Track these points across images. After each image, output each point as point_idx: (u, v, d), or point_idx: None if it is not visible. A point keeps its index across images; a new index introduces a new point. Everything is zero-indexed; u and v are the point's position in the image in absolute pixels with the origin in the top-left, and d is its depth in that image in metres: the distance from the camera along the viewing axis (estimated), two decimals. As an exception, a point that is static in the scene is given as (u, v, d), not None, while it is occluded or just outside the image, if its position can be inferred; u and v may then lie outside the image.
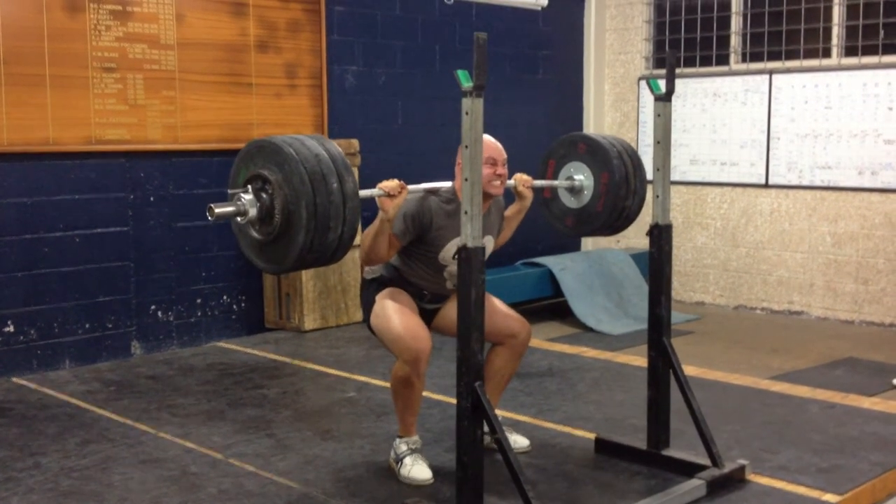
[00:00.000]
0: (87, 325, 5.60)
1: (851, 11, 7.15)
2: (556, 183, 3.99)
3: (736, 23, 7.77)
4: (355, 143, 6.36)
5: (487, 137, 3.64)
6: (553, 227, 4.14)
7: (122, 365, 5.58)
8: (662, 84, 3.74)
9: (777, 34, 7.53)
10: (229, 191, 2.99)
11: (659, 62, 8.23)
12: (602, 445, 3.97)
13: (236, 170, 3.00)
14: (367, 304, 3.73)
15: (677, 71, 7.14)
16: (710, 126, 7.89)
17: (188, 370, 5.43)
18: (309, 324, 6.27)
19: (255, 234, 2.97)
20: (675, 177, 7.82)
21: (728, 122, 7.81)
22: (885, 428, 4.27)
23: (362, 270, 3.84)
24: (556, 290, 7.32)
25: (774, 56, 7.57)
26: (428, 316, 3.78)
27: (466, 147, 2.98)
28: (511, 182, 3.80)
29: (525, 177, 3.84)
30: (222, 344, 6.09)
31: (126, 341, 5.78)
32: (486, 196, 3.56)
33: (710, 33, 7.90)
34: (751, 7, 7.70)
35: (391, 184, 3.30)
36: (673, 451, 3.78)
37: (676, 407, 3.78)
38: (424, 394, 4.79)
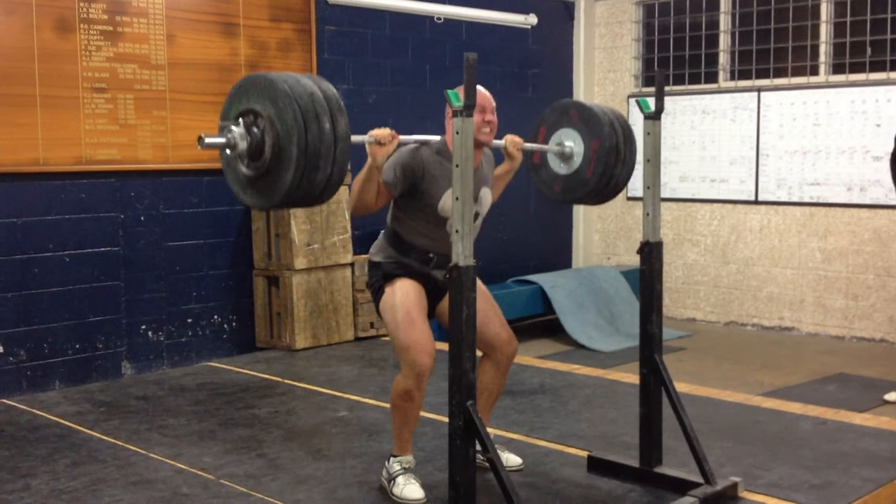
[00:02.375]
0: (77, 346, 5.58)
1: (839, 29, 7.21)
2: (545, 147, 3.96)
3: (724, 41, 7.82)
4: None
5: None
6: (541, 194, 4.12)
7: (113, 385, 5.56)
8: (651, 102, 3.76)
9: (765, 52, 7.59)
10: (220, 122, 2.97)
11: (648, 80, 8.28)
12: (595, 463, 3.96)
13: (229, 103, 2.97)
14: (375, 291, 3.68)
15: (666, 88, 7.19)
16: (700, 143, 7.93)
17: (179, 390, 5.41)
18: (300, 343, 6.26)
19: (243, 168, 2.94)
20: (665, 194, 7.85)
21: (717, 139, 7.85)
22: (876, 444, 4.28)
23: (350, 209, 3.68)
24: (548, 307, 7.32)
25: (763, 73, 7.62)
26: (434, 294, 3.69)
27: (457, 166, 2.99)
28: (501, 142, 3.79)
29: (515, 138, 3.83)
30: (213, 364, 6.07)
31: (116, 361, 5.75)
32: (477, 144, 3.53)
33: (698, 51, 7.95)
34: (739, 25, 7.76)
35: (382, 132, 3.30)
36: (665, 469, 3.78)
37: (669, 424, 3.77)
38: (416, 412, 4.80)
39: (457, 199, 3.00)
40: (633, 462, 3.85)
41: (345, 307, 6.49)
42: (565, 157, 3.95)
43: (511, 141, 3.82)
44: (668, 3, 8.16)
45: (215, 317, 6.22)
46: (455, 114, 2.99)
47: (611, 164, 3.86)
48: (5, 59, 5.20)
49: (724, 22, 7.81)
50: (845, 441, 4.32)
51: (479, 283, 3.87)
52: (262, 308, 6.39)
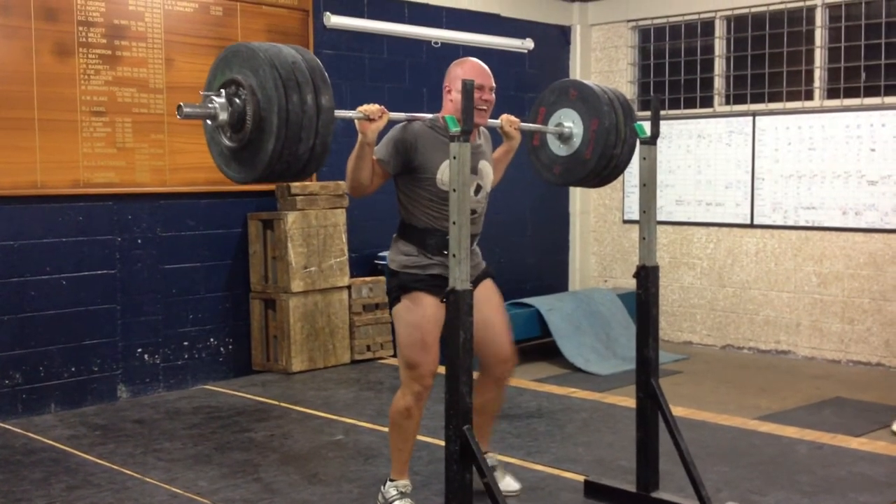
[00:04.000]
0: (72, 369, 5.57)
1: (833, 54, 7.25)
2: (543, 128, 3.90)
3: (719, 65, 7.87)
4: (343, 184, 6.39)
5: (474, 60, 3.62)
6: (541, 177, 4.04)
7: (108, 409, 5.54)
8: (647, 127, 3.78)
9: (760, 76, 7.63)
10: (202, 93, 2.94)
11: (644, 104, 8.32)
12: (591, 488, 3.95)
13: (212, 74, 2.95)
14: (392, 297, 3.63)
15: (662, 113, 7.23)
16: (696, 167, 7.96)
17: (175, 414, 5.40)
18: (296, 366, 6.25)
19: (225, 140, 2.92)
20: (661, 217, 7.87)
21: (713, 163, 7.88)
22: (872, 468, 4.27)
23: (347, 190, 3.59)
24: (545, 330, 7.32)
25: (758, 98, 7.66)
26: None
27: (454, 191, 3.00)
28: (497, 122, 3.73)
29: (512, 117, 3.77)
30: (209, 387, 6.06)
31: (112, 385, 5.74)
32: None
33: (693, 76, 8.00)
34: (734, 50, 7.81)
35: (372, 107, 3.26)
36: (662, 494, 3.77)
37: (666, 448, 3.77)
38: (413, 436, 4.79)
39: (453, 223, 3.00)
40: (630, 487, 3.84)
41: (341, 330, 6.49)
42: (564, 137, 3.87)
43: (508, 120, 3.75)
44: (663, 27, 8.22)
45: (212, 340, 6.22)
46: (452, 139, 3.00)
47: (610, 143, 3.79)
48: (4, 83, 5.22)
49: (720, 46, 7.86)
50: (842, 465, 4.32)
51: (493, 288, 3.84)
52: (259, 331, 6.38)
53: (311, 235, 6.29)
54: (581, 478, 4.07)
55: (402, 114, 3.50)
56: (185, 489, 4.07)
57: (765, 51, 7.58)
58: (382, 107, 3.27)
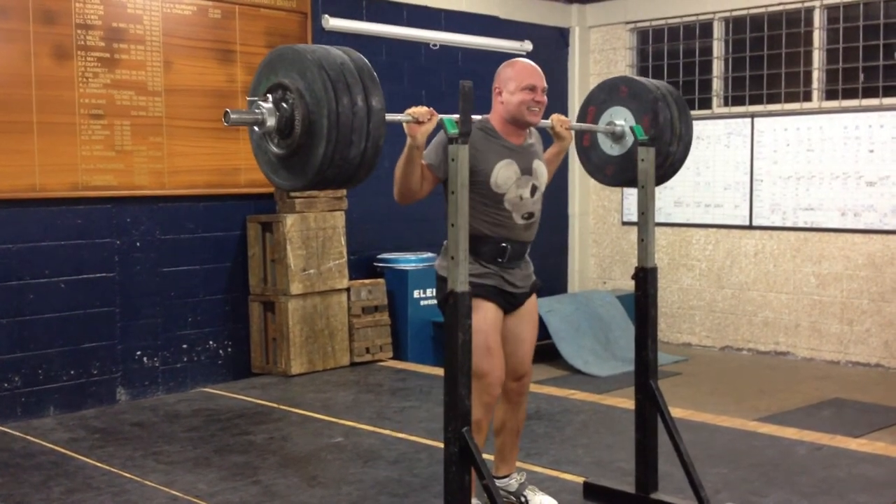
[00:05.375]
0: (71, 372, 5.56)
1: (831, 55, 7.26)
2: (595, 127, 3.78)
3: (718, 67, 7.88)
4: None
5: (525, 61, 3.54)
6: (593, 179, 3.94)
7: (107, 412, 5.54)
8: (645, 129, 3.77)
9: (758, 78, 7.64)
10: (248, 99, 2.84)
11: (642, 106, 8.31)
12: (591, 490, 3.95)
13: (257, 79, 2.85)
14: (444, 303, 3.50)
15: (661, 114, 7.22)
16: (694, 168, 7.96)
17: (174, 416, 5.40)
18: (296, 368, 6.25)
19: (273, 147, 2.81)
20: (660, 218, 7.88)
21: (712, 165, 7.89)
22: (872, 469, 4.27)
23: (395, 197, 3.41)
24: (544, 332, 7.31)
25: (756, 100, 7.67)
26: (506, 301, 3.53)
27: (453, 193, 2.99)
28: (547, 122, 3.63)
29: (562, 117, 3.67)
30: (208, 389, 6.06)
31: (111, 388, 5.74)
32: (524, 124, 3.47)
33: (692, 77, 8.00)
34: (732, 52, 7.82)
35: (421, 110, 3.09)
36: (662, 495, 3.77)
37: (665, 449, 3.77)
38: (412, 438, 4.80)
39: (452, 225, 3.00)
40: (630, 488, 3.84)
41: (341, 332, 6.49)
42: (617, 136, 3.75)
43: (558, 120, 3.64)
44: (662, 29, 8.23)
45: (211, 342, 6.22)
46: (451, 141, 2.99)
47: (666, 141, 3.68)
48: (3, 86, 5.23)
49: (718, 48, 7.87)
50: (841, 466, 4.32)
51: (535, 304, 3.68)
52: (258, 333, 6.38)
53: (310, 238, 6.29)
54: (580, 479, 4.07)
55: (453, 116, 3.31)
56: (184, 492, 4.07)
57: (763, 52, 7.59)
58: (432, 109, 3.11)
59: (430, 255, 7.05)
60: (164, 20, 5.85)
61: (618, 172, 3.84)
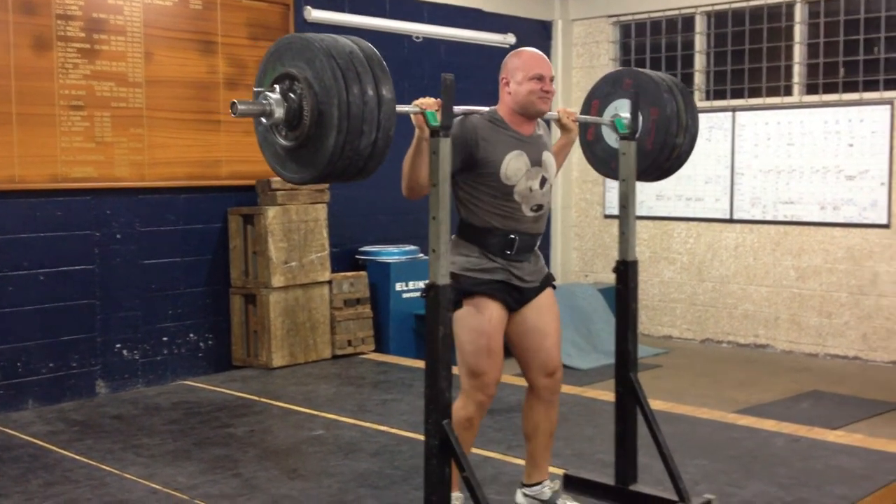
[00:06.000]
0: (50, 364, 5.53)
1: (812, 50, 7.30)
2: (601, 119, 3.76)
3: (700, 61, 7.91)
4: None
5: (532, 50, 3.50)
6: (598, 173, 3.89)
7: (87, 404, 5.51)
8: (627, 122, 3.77)
9: (740, 72, 7.67)
10: (254, 90, 2.77)
11: (624, 99, 8.33)
12: (570, 481, 3.96)
13: (263, 69, 2.78)
14: (453, 302, 3.38)
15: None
16: (676, 162, 7.98)
17: (154, 409, 5.38)
18: (277, 361, 6.23)
19: (281, 140, 2.74)
20: (641, 212, 7.91)
21: (693, 158, 7.81)
22: (849, 461, 4.31)
23: (403, 191, 3.36)
24: (525, 325, 7.33)
25: (737, 93, 7.70)
26: (511, 309, 3.49)
27: (434, 185, 2.98)
28: (554, 114, 3.60)
29: (569, 109, 3.64)
30: (189, 382, 6.04)
31: (91, 380, 5.71)
32: (532, 115, 3.44)
33: (674, 71, 8.02)
34: (714, 46, 7.84)
35: (428, 101, 3.03)
36: (641, 487, 3.78)
37: (644, 441, 3.78)
38: (393, 430, 4.80)
39: (433, 218, 2.99)
40: (609, 480, 3.85)
41: (322, 325, 6.48)
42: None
43: (565, 112, 3.61)
44: (644, 23, 8.25)
45: (191, 335, 6.20)
46: (433, 134, 2.98)
47: (672, 133, 3.66)
48: (-19, 77, 5.18)
49: (700, 42, 7.89)
50: (819, 458, 4.36)
51: (552, 297, 3.63)
52: (239, 326, 6.36)
53: (292, 230, 6.28)
54: (560, 471, 4.08)
55: (461, 107, 3.33)
56: (164, 485, 4.06)
57: (745, 47, 7.62)
58: (439, 100, 3.03)
59: (412, 247, 7.05)
60: (144, 11, 5.81)
61: None
